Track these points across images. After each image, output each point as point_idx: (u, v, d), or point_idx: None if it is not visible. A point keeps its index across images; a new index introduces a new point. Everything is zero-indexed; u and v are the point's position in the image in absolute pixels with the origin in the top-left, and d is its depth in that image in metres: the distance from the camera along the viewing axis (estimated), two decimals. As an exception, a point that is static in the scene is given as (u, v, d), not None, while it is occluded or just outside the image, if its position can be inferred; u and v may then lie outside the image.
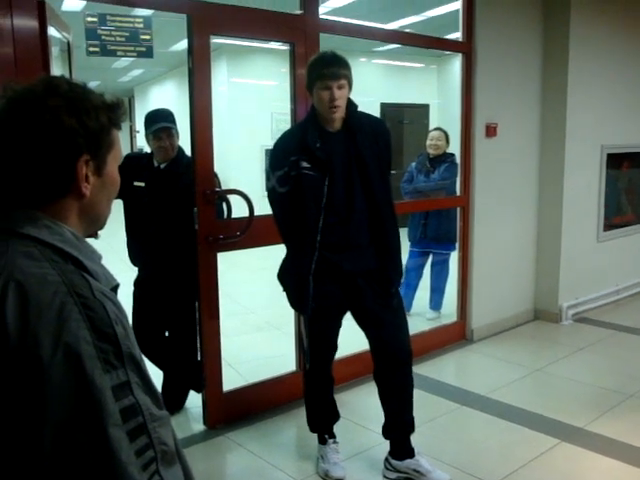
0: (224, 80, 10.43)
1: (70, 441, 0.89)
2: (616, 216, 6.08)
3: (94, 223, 1.17)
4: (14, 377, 0.90)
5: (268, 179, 3.00)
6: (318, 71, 2.84)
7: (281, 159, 2.92)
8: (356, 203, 2.91)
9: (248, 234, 3.54)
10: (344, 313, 3.10)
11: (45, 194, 1.06)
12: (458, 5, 4.91)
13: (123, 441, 0.92)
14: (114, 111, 1.13)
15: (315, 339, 3.08)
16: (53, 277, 0.97)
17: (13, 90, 1.06)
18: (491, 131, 4.99)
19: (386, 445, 3.17)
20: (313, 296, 2.92)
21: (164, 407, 1.03)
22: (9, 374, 0.91)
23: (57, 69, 3.37)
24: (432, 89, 11.82)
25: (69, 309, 0.93)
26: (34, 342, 0.90)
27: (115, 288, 1.10)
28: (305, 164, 2.85)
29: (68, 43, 3.51)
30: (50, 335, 0.91)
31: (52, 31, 3.03)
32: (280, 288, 3.08)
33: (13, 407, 0.91)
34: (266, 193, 3.05)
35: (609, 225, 5.96)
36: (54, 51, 3.16)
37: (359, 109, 2.98)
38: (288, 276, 3.03)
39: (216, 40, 3.50)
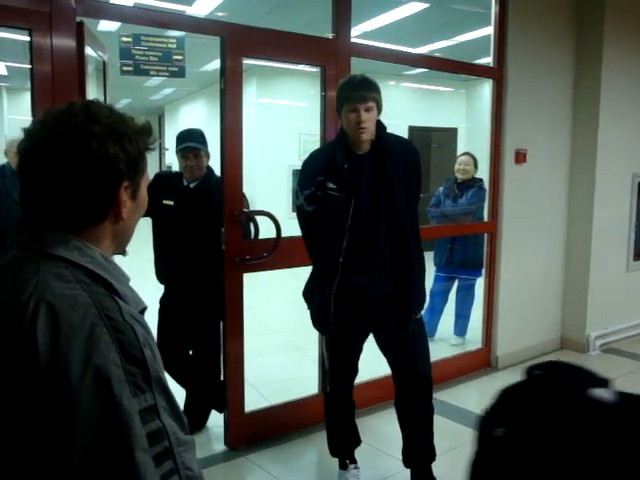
0: (253, 101, 10.51)
1: (97, 463, 0.89)
2: (647, 246, 5.98)
3: (123, 244, 1.18)
4: (43, 397, 0.91)
5: (297, 197, 3.02)
6: (346, 94, 2.87)
7: (309, 178, 2.94)
8: (380, 227, 2.89)
9: (275, 255, 3.55)
10: (366, 337, 3.08)
11: (84, 219, 1.07)
12: (490, 31, 4.91)
13: (149, 465, 0.92)
14: (148, 135, 1.14)
15: (336, 361, 3.06)
16: (84, 299, 0.97)
17: (52, 116, 1.07)
18: (520, 157, 4.95)
19: (408, 473, 3.12)
20: (334, 318, 2.90)
21: (189, 432, 1.03)
22: (39, 394, 0.91)
23: (92, 86, 3.44)
24: (461, 113, 11.82)
25: (99, 331, 0.94)
26: (64, 363, 0.91)
27: (143, 311, 1.10)
28: (331, 185, 2.85)
29: (104, 62, 3.57)
30: (80, 357, 0.91)
31: (88, 50, 3.10)
32: (305, 308, 3.07)
33: (42, 427, 0.91)
34: (293, 214, 3.06)
35: (639, 254, 5.86)
36: (89, 69, 3.22)
37: (387, 131, 2.98)
38: (312, 295, 3.03)
39: (247, 61, 3.54)
